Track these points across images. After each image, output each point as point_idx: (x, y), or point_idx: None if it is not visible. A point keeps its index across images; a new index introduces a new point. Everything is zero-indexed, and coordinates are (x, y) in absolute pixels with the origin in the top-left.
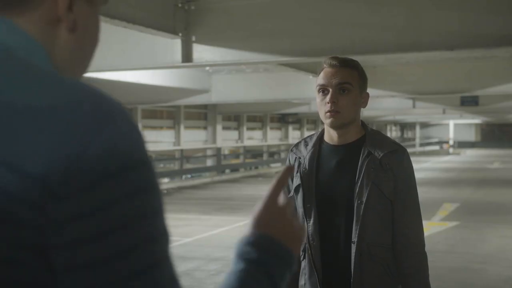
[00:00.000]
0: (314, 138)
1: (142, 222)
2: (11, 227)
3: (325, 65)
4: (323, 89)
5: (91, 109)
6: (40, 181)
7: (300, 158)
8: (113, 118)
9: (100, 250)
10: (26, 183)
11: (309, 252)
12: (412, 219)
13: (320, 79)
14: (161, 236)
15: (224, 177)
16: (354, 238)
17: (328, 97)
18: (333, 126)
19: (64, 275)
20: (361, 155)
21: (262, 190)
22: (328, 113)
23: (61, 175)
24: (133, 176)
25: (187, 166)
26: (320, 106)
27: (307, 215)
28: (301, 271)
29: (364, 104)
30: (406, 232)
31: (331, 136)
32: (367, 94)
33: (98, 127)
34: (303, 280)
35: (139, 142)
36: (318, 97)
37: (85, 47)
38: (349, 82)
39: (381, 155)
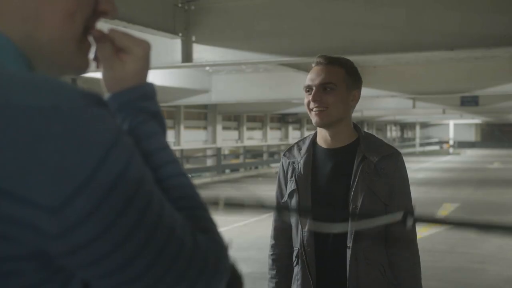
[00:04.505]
0: (307, 142)
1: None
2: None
3: (312, 64)
4: (308, 89)
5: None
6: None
7: (294, 162)
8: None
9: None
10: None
11: (304, 257)
12: None
13: (307, 79)
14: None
15: (224, 177)
16: (349, 243)
17: (310, 96)
18: (319, 124)
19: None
20: (355, 159)
21: (263, 190)
22: (313, 112)
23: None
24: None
25: (187, 166)
26: (306, 105)
27: (301, 220)
28: (293, 276)
29: (354, 102)
30: (401, 236)
31: (323, 137)
32: (358, 92)
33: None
34: (295, 285)
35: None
36: (305, 97)
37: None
38: (331, 82)
39: (376, 159)
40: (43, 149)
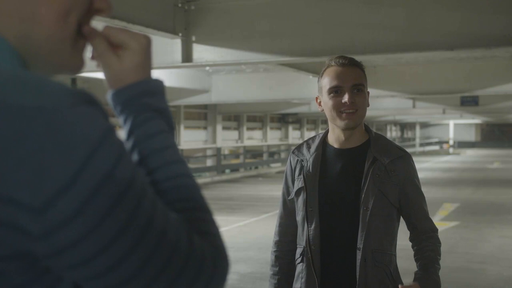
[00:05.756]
0: (317, 141)
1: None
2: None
3: (333, 64)
4: (336, 90)
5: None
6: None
7: (302, 160)
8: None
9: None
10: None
11: (309, 256)
12: (425, 215)
13: (332, 80)
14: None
15: (224, 177)
16: (360, 244)
17: (346, 98)
18: (349, 127)
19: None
20: (366, 161)
21: (263, 190)
22: (345, 114)
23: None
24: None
25: None
26: (334, 107)
27: (308, 218)
28: (297, 274)
29: (368, 102)
30: (422, 226)
31: (337, 137)
32: (368, 93)
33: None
34: (298, 283)
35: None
36: (329, 98)
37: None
38: (361, 83)
39: (387, 161)
40: (26, 149)
